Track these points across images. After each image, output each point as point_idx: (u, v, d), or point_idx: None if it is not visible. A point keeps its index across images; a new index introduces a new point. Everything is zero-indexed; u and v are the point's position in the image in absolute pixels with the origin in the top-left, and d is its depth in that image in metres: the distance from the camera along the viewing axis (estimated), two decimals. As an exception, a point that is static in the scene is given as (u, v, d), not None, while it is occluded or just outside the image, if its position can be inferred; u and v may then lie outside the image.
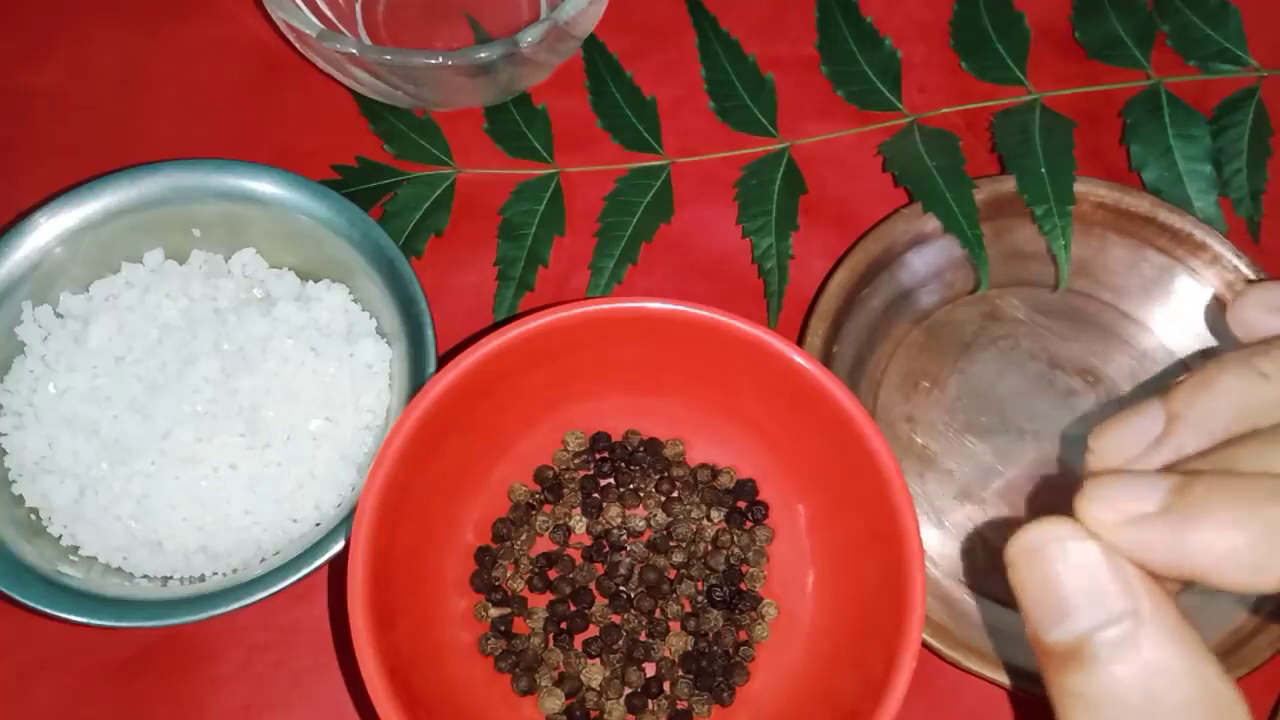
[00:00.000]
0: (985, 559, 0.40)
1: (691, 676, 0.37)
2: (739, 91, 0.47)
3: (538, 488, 0.39)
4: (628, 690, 0.37)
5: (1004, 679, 0.36)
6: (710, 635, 0.37)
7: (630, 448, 0.40)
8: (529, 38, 0.40)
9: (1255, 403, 0.24)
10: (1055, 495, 0.40)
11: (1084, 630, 0.21)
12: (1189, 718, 0.20)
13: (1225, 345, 0.42)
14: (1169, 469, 0.24)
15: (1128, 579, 0.21)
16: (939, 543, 0.40)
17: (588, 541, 0.39)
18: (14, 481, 0.37)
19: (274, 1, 0.40)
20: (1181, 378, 0.26)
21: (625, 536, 0.39)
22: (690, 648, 0.37)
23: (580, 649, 0.37)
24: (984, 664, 0.36)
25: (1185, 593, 0.38)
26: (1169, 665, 0.21)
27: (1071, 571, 0.21)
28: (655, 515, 0.39)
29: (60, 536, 0.36)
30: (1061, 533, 0.22)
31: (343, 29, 0.45)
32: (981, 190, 0.42)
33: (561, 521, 0.39)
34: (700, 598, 0.38)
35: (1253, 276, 0.42)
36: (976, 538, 0.40)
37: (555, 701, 0.36)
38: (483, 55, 0.40)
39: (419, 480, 0.34)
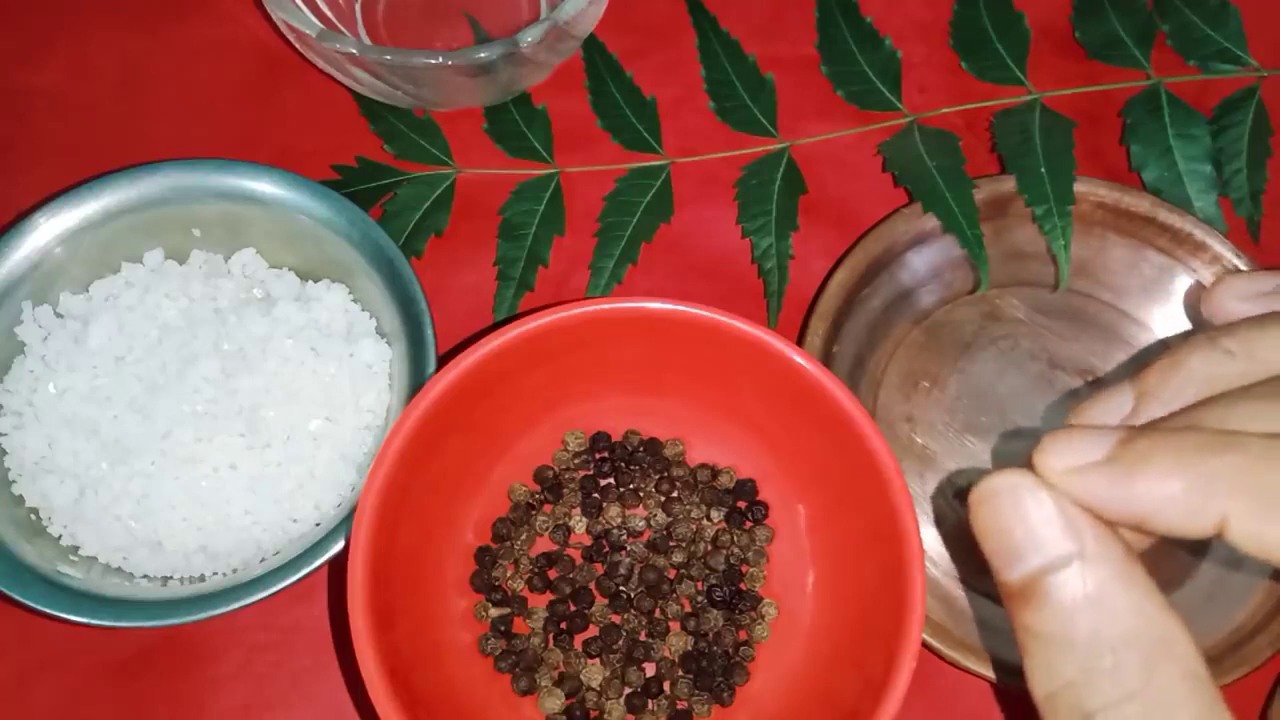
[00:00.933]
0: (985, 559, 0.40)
1: (691, 676, 0.37)
2: (739, 91, 0.47)
3: (538, 488, 0.39)
4: (628, 690, 0.37)
5: (1003, 679, 0.36)
6: (710, 635, 0.37)
7: (630, 448, 0.40)
8: (529, 38, 0.40)
9: (1220, 378, 0.26)
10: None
11: (1034, 569, 0.23)
12: (1131, 648, 0.22)
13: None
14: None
15: (1074, 522, 0.23)
16: (939, 543, 0.40)
17: (588, 541, 0.39)
18: (14, 481, 0.37)
19: (274, 1, 0.40)
20: (1151, 360, 0.28)
21: (625, 536, 0.39)
22: (690, 648, 0.37)
23: (580, 649, 0.37)
24: (984, 664, 0.36)
25: (1188, 587, 0.38)
26: (1111, 601, 0.22)
27: (1023, 516, 0.23)
28: (655, 515, 0.39)
29: (60, 536, 0.36)
30: (1016, 481, 0.23)
31: (343, 29, 0.45)
32: (981, 190, 0.42)
33: (561, 521, 0.39)
34: (700, 598, 0.38)
35: (1253, 276, 0.42)
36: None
37: (555, 701, 0.36)
38: (483, 55, 0.40)
39: (419, 480, 0.34)
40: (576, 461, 0.40)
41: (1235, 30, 0.47)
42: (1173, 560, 0.39)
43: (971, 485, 0.24)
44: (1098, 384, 0.42)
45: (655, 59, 0.47)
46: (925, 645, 0.36)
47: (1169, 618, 0.22)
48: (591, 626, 0.38)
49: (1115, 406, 0.28)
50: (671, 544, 0.38)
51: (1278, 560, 0.22)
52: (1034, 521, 0.23)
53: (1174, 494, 0.22)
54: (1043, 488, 0.23)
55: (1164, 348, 0.42)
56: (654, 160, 0.46)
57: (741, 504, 0.39)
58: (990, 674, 0.36)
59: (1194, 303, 0.42)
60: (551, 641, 0.37)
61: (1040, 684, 0.23)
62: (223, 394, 0.36)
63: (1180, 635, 0.22)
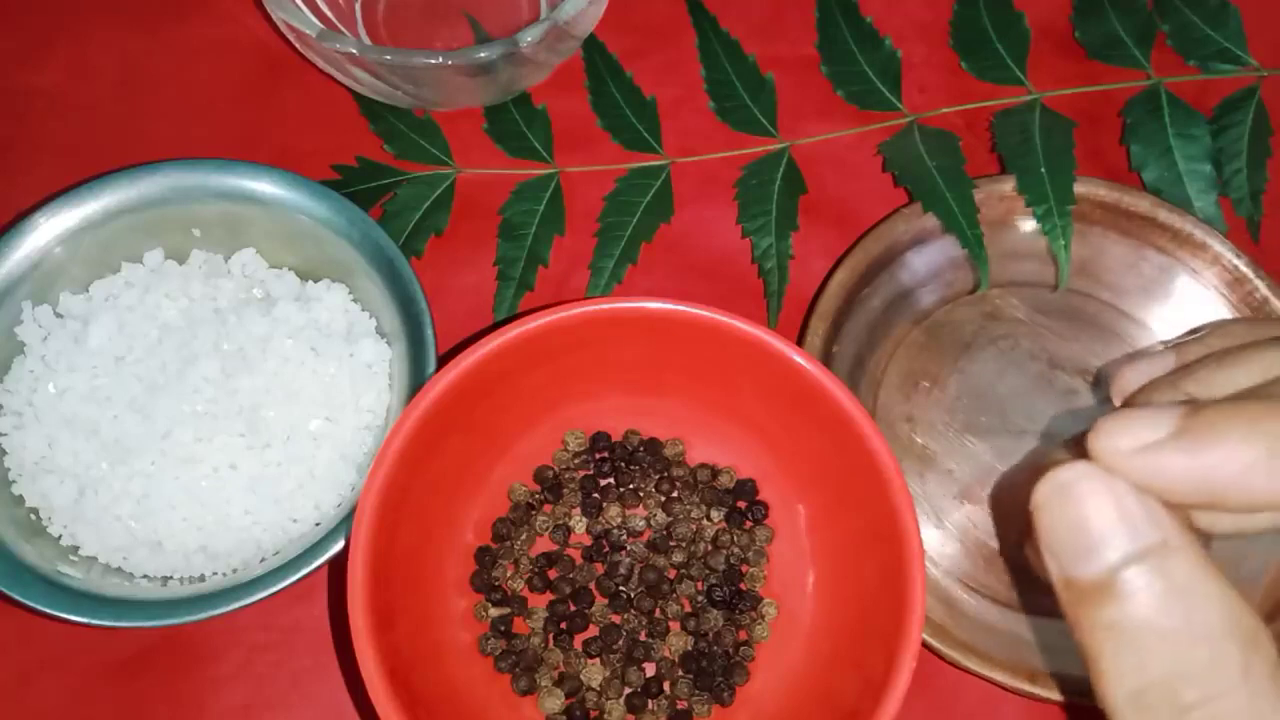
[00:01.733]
0: (985, 559, 0.40)
1: (691, 676, 0.37)
2: (739, 91, 0.47)
3: (538, 488, 0.39)
4: (628, 690, 0.37)
5: (1004, 679, 0.36)
6: (710, 635, 0.37)
7: (630, 448, 0.40)
8: (529, 38, 0.40)
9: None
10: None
11: (1116, 561, 0.22)
12: (1219, 641, 0.21)
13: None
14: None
15: (1153, 510, 0.22)
16: (939, 543, 0.40)
17: (588, 541, 0.39)
18: (14, 481, 0.37)
19: (274, 1, 0.40)
20: (1191, 340, 0.27)
21: (625, 536, 0.39)
22: (690, 648, 0.37)
23: (580, 649, 0.37)
24: (984, 664, 0.36)
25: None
26: (1199, 591, 0.21)
27: (1100, 506, 0.22)
28: (655, 515, 0.39)
29: (60, 536, 0.36)
30: (1085, 471, 0.22)
31: (343, 29, 0.45)
32: (981, 190, 0.42)
33: (561, 521, 0.39)
34: (700, 598, 0.38)
35: (1252, 276, 0.42)
36: (976, 538, 0.40)
37: (555, 701, 0.36)
38: (483, 55, 0.40)
39: (419, 480, 0.34)
40: (576, 461, 0.40)
41: (1235, 30, 0.47)
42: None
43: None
44: (1097, 384, 0.42)
45: (655, 59, 0.47)
46: (925, 645, 0.36)
47: (1251, 611, 0.22)
48: (591, 626, 0.38)
49: (1156, 368, 0.27)
50: (671, 544, 0.38)
51: None
52: (1112, 511, 0.22)
53: (1254, 460, 0.21)
54: (1115, 475, 0.22)
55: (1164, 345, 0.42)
56: (654, 160, 0.46)
57: (741, 504, 0.39)
58: (990, 675, 0.36)
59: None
60: (551, 641, 0.37)
61: (1125, 682, 0.22)
62: (223, 394, 0.36)
63: (1262, 626, 0.21)
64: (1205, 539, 0.39)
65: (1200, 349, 0.28)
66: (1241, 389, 0.25)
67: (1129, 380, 0.30)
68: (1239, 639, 0.21)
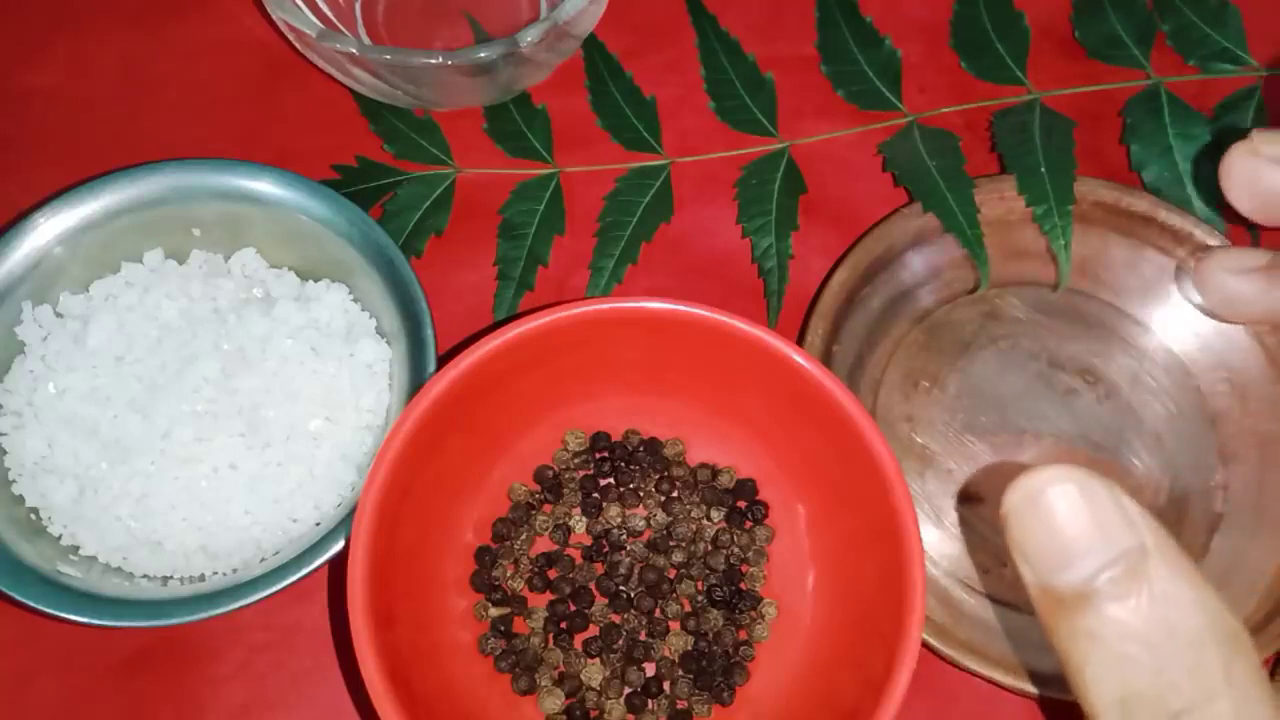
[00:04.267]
0: (985, 559, 0.40)
1: (691, 676, 0.37)
2: (739, 91, 0.47)
3: (538, 488, 0.39)
4: (628, 690, 0.37)
5: (1004, 679, 0.36)
6: (710, 635, 0.37)
7: (630, 447, 0.40)
8: (529, 37, 0.40)
9: None
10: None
11: (1093, 569, 0.21)
12: (1202, 646, 0.21)
13: (1223, 344, 0.42)
14: None
15: (1130, 514, 0.21)
16: (939, 543, 0.40)
17: (588, 541, 0.39)
18: (14, 481, 0.37)
19: (274, 1, 0.40)
20: None
21: (625, 536, 0.39)
22: (690, 647, 0.37)
23: (580, 649, 0.37)
24: (984, 664, 0.36)
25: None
26: (1178, 596, 0.21)
27: (1075, 511, 0.21)
28: (655, 515, 0.39)
29: (60, 536, 0.36)
30: (1060, 475, 0.22)
31: (343, 29, 0.45)
32: (981, 190, 0.42)
33: (561, 521, 0.39)
34: (700, 598, 0.38)
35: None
36: (976, 537, 0.40)
37: (555, 701, 0.36)
38: (483, 55, 0.40)
39: (419, 480, 0.34)
40: (576, 461, 0.40)
41: (1235, 30, 0.47)
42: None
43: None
44: (1097, 384, 0.42)
45: (655, 59, 0.47)
46: (925, 645, 0.36)
47: (1231, 614, 0.21)
48: (591, 626, 0.38)
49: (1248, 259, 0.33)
50: (671, 544, 0.38)
51: None
52: (1088, 518, 0.21)
53: None
54: (1095, 479, 0.22)
55: (1164, 350, 0.42)
56: (654, 160, 0.46)
57: (741, 504, 0.39)
58: (990, 675, 0.36)
59: (1177, 281, 0.43)
60: (551, 641, 0.37)
61: (1108, 690, 0.21)
62: (223, 394, 0.36)
63: (1244, 632, 0.21)
64: (1207, 538, 0.39)
65: None
66: None
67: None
68: (1221, 642, 0.21)
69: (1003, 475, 0.32)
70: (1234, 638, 0.21)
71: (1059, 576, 0.21)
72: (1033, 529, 0.22)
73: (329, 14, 0.45)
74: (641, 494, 0.39)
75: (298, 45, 0.42)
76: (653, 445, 0.39)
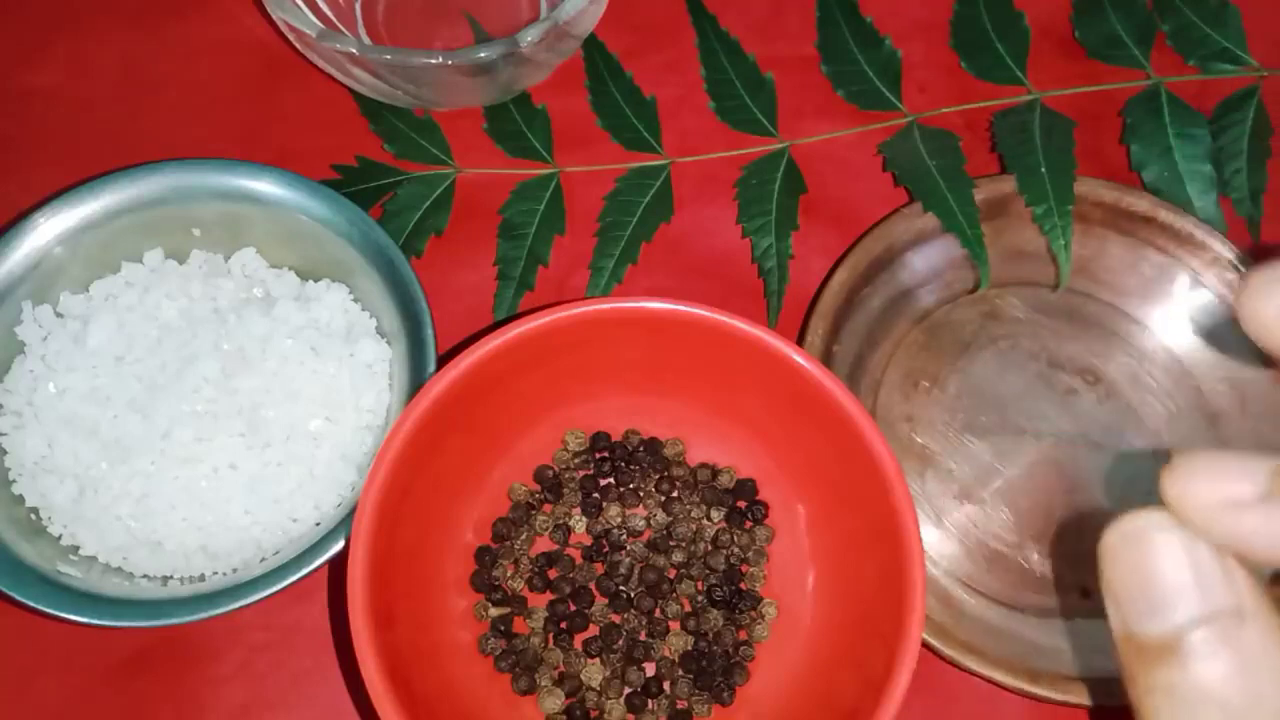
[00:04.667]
0: (985, 559, 0.40)
1: (691, 676, 0.37)
2: (739, 91, 0.47)
3: (538, 487, 0.39)
4: (628, 690, 0.37)
5: (1004, 679, 0.36)
6: (710, 635, 0.37)
7: (630, 447, 0.40)
8: (529, 37, 0.40)
9: None
10: (1053, 496, 0.40)
11: (1183, 623, 0.20)
12: None
13: (1223, 345, 0.42)
14: None
15: (1231, 571, 0.20)
16: (939, 543, 0.40)
17: (588, 541, 0.39)
18: (14, 481, 0.37)
19: (274, 1, 0.40)
20: None
21: (625, 536, 0.39)
22: (690, 647, 0.37)
23: (580, 649, 0.37)
24: (984, 664, 0.36)
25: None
26: (1269, 664, 0.20)
27: (1174, 561, 0.21)
28: (655, 515, 0.39)
29: (60, 536, 0.36)
30: (1164, 521, 0.21)
31: (343, 29, 0.45)
32: (981, 190, 0.42)
33: (561, 521, 0.39)
34: (700, 597, 0.38)
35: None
36: (976, 538, 0.40)
37: (555, 701, 0.36)
38: (483, 55, 0.40)
39: (419, 480, 0.34)
40: (576, 461, 0.40)
41: (1235, 30, 0.47)
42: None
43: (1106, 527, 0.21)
44: (1097, 384, 0.42)
45: (655, 59, 0.47)
46: (925, 645, 0.36)
47: None
48: (591, 626, 0.38)
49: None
50: (671, 544, 0.38)
51: None
52: (1187, 569, 0.20)
53: None
54: (1201, 538, 0.21)
55: (1164, 350, 0.42)
56: (654, 160, 0.46)
57: (741, 504, 0.39)
58: (990, 675, 0.36)
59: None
60: (551, 641, 0.37)
61: None
62: (223, 394, 0.36)
63: None
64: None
65: None
66: None
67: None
68: None
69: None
70: None
71: (1147, 624, 0.21)
72: (1128, 571, 0.21)
73: (329, 14, 0.45)
74: (641, 494, 0.39)
75: (298, 45, 0.42)
76: (653, 445, 0.39)
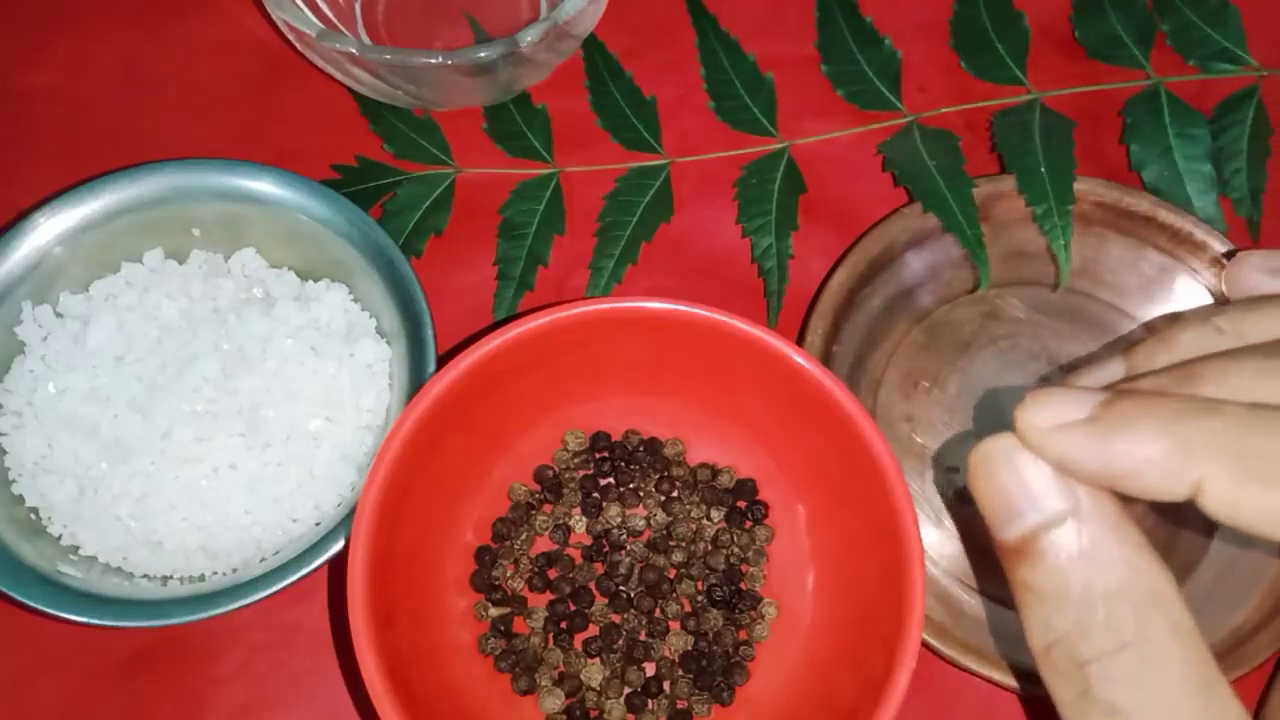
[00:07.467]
0: (985, 559, 0.40)
1: (691, 676, 0.37)
2: (739, 91, 0.47)
3: (538, 487, 0.39)
4: (628, 690, 0.37)
5: (1004, 679, 0.36)
6: (710, 635, 0.37)
7: (630, 447, 0.40)
8: (529, 37, 0.40)
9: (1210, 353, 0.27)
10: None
11: (1030, 527, 0.24)
12: (1123, 601, 0.23)
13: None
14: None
15: (1068, 480, 0.24)
16: (939, 543, 0.40)
17: (588, 541, 0.39)
18: (14, 481, 0.37)
19: (274, 1, 0.40)
20: (1142, 336, 0.28)
21: (625, 536, 0.39)
22: (690, 647, 0.37)
23: (580, 649, 0.37)
24: (984, 664, 0.36)
25: (1186, 586, 0.38)
26: (1104, 555, 0.23)
27: (1018, 476, 0.24)
28: (655, 515, 0.39)
29: (60, 536, 0.36)
30: (1011, 443, 0.24)
31: (343, 29, 0.45)
32: (981, 190, 0.42)
33: (561, 521, 0.39)
34: (700, 597, 0.38)
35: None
36: (976, 537, 0.40)
37: (555, 701, 0.36)
38: (483, 55, 0.40)
39: (419, 480, 0.34)
40: (576, 461, 0.40)
41: (1235, 30, 0.47)
42: (1171, 559, 0.39)
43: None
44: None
45: (655, 59, 0.47)
46: (925, 645, 0.36)
47: (1159, 572, 0.23)
48: (591, 626, 0.38)
49: (1106, 377, 0.29)
50: (671, 544, 0.38)
51: (1246, 526, 0.22)
52: (1029, 480, 0.24)
53: (1153, 456, 0.22)
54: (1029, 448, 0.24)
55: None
56: (654, 160, 0.46)
57: (741, 504, 0.39)
58: (990, 675, 0.36)
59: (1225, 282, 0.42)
60: (551, 641, 0.37)
61: (1037, 638, 0.24)
62: (223, 394, 0.36)
63: (1169, 589, 0.23)
64: (1208, 529, 0.40)
65: (1148, 353, 0.30)
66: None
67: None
68: (1134, 600, 0.23)
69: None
70: (1155, 595, 0.23)
71: (1004, 531, 0.24)
72: (985, 486, 0.25)
73: (329, 14, 0.45)
74: (641, 494, 0.39)
75: (298, 45, 0.42)
76: (653, 445, 0.39)
